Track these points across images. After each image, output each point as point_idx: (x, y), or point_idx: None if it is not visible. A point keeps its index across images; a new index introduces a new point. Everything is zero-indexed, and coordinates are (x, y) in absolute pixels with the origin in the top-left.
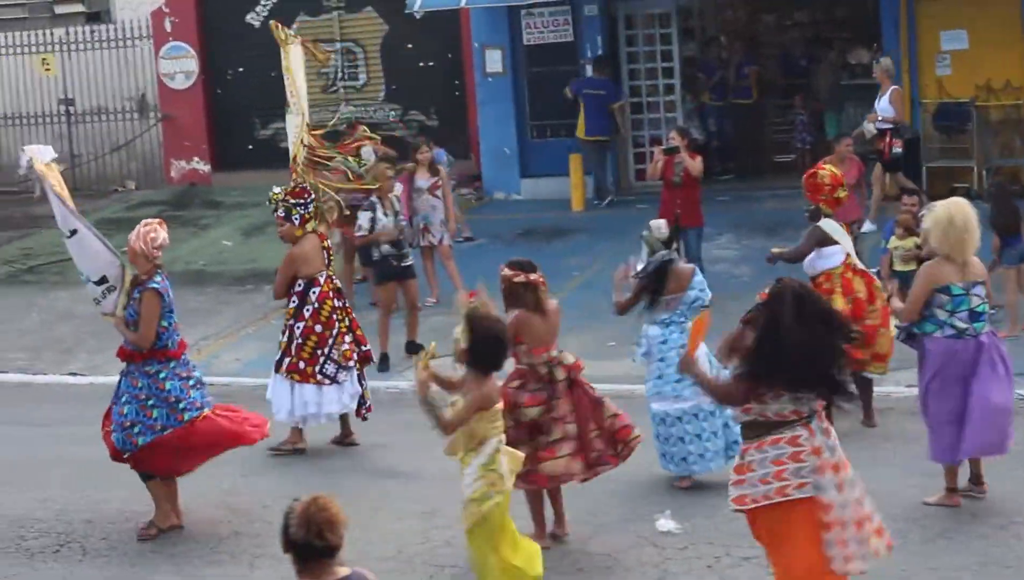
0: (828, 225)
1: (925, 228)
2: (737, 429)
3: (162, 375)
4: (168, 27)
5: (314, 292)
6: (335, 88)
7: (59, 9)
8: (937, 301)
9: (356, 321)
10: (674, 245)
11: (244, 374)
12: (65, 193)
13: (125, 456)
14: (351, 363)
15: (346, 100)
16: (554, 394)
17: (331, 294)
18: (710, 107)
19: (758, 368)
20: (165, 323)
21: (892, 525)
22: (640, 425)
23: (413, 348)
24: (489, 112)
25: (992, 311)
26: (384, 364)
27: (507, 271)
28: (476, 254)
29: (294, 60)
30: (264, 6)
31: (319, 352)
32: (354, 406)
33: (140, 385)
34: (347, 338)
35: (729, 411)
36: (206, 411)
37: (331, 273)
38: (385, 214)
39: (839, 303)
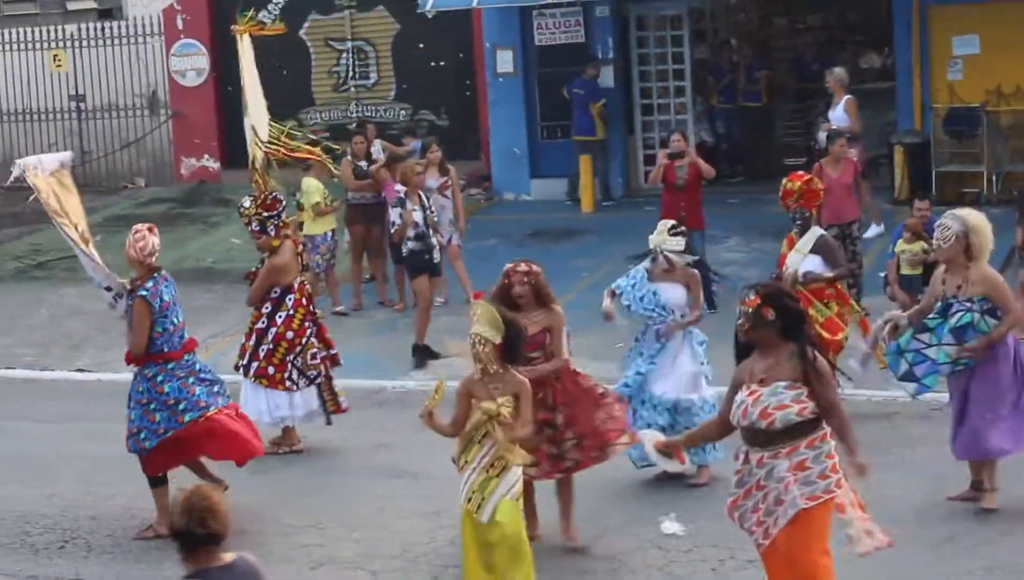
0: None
1: (963, 234)
2: None
3: (160, 378)
4: (179, 24)
5: (290, 299)
6: (346, 87)
7: (71, 6)
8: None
9: (324, 325)
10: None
11: None
12: (57, 207)
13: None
14: (314, 373)
15: (357, 99)
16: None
17: (303, 301)
18: (719, 110)
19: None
20: (159, 328)
21: (899, 529)
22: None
23: (423, 353)
24: (499, 112)
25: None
26: (422, 357)
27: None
28: (485, 255)
29: (246, 56)
30: (276, 4)
31: (288, 358)
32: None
33: (142, 389)
34: (315, 348)
35: (777, 415)
36: (211, 411)
37: (303, 279)
38: (414, 209)
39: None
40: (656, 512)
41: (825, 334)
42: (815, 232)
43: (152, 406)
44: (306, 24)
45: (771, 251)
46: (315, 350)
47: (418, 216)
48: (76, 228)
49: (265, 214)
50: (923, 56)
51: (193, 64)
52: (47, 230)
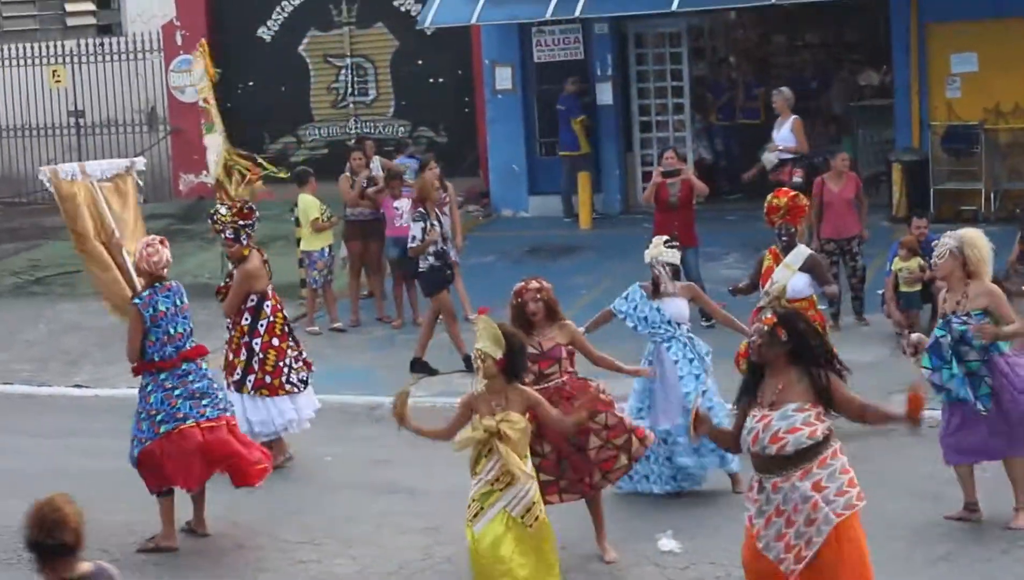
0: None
1: (958, 249)
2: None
3: (148, 388)
4: (179, 40)
5: (267, 305)
6: (345, 103)
7: (71, 21)
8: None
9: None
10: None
11: None
12: (84, 213)
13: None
14: (304, 374)
15: (355, 116)
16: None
17: (279, 307)
18: (718, 127)
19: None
20: (152, 337)
21: (896, 546)
22: None
23: (420, 367)
24: (498, 129)
25: None
26: (423, 370)
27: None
28: (483, 272)
29: (202, 75)
30: (275, 20)
31: (281, 363)
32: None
33: (139, 399)
34: (297, 351)
35: (789, 439)
36: (187, 423)
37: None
38: (433, 224)
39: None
40: (653, 529)
41: None
42: (802, 250)
43: (141, 415)
44: (305, 40)
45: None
46: (296, 354)
47: (437, 229)
48: (108, 236)
49: (241, 223)
50: (921, 74)
51: (192, 80)
52: (45, 245)
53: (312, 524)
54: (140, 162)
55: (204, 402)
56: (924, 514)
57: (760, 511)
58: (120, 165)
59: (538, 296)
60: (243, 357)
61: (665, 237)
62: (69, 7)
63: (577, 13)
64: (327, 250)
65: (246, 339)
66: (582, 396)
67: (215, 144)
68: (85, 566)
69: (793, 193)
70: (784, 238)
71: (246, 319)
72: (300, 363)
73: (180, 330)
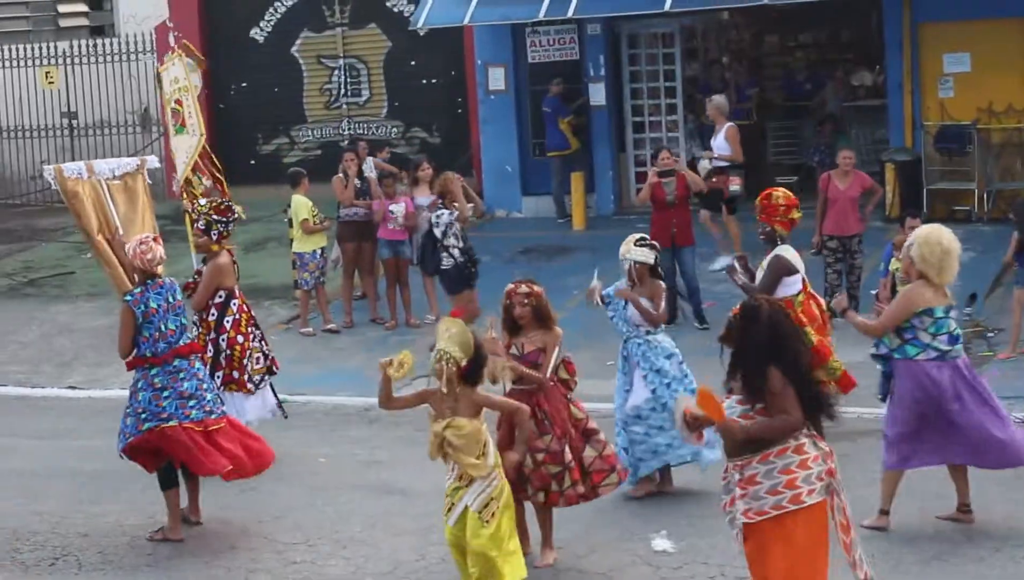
0: (788, 252)
1: (911, 251)
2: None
3: (139, 385)
4: (172, 42)
5: (234, 303)
6: (338, 104)
7: (63, 22)
8: (920, 323)
9: (263, 332)
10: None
11: None
12: (88, 212)
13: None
14: (259, 377)
15: (349, 116)
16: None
17: (245, 306)
18: (708, 127)
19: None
20: (145, 333)
21: (887, 548)
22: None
23: None
24: (491, 130)
25: (991, 334)
26: None
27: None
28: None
29: (188, 77)
30: (268, 22)
31: (244, 362)
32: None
33: (129, 394)
34: (259, 353)
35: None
36: (171, 423)
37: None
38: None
39: (810, 334)
40: (647, 529)
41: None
42: (779, 249)
43: (128, 410)
44: (298, 41)
45: None
46: (259, 355)
47: (458, 229)
48: (112, 233)
49: (214, 217)
50: (914, 74)
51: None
52: (38, 247)
53: (306, 525)
54: (153, 160)
55: (191, 403)
56: (916, 513)
57: (727, 488)
58: (131, 164)
59: (525, 301)
60: (210, 353)
61: (638, 236)
62: (62, 8)
63: (570, 13)
64: (319, 252)
65: (212, 335)
66: (550, 404)
67: (185, 145)
68: None
69: (767, 192)
70: (761, 236)
71: (212, 314)
72: (260, 365)
73: (172, 326)
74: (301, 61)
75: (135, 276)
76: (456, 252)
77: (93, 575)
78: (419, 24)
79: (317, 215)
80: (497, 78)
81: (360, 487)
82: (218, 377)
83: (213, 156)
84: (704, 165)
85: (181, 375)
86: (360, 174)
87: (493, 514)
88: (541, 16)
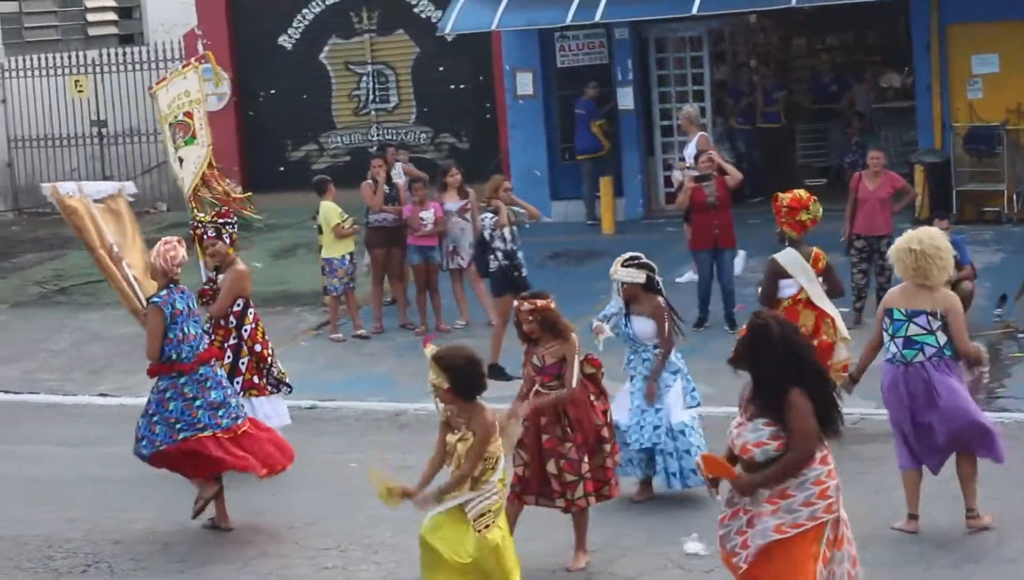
0: (784, 257)
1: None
2: None
3: (168, 394)
4: (200, 49)
5: (251, 312)
6: (366, 110)
7: (92, 31)
8: (884, 324)
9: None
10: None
11: None
12: (88, 227)
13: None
14: (286, 380)
15: (377, 123)
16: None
17: (257, 315)
18: (738, 131)
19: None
20: (170, 335)
21: (918, 551)
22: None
23: (495, 372)
24: (519, 135)
25: (1021, 335)
26: (497, 376)
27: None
28: None
29: (201, 89)
30: (296, 28)
31: (262, 366)
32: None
33: (152, 400)
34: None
35: (756, 451)
36: (206, 433)
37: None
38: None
39: None
40: (677, 532)
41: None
42: (779, 253)
43: (155, 418)
44: (326, 48)
45: None
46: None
47: (507, 233)
48: (108, 249)
49: (221, 221)
50: (943, 75)
51: (214, 89)
52: (69, 255)
53: (337, 530)
54: (130, 186)
55: (220, 412)
56: (947, 517)
57: (730, 502)
58: (112, 188)
59: (530, 317)
60: (228, 359)
61: (628, 255)
62: (91, 17)
63: (597, 18)
64: (348, 258)
65: (232, 342)
66: (576, 410)
67: (194, 156)
68: None
69: (775, 195)
70: (777, 237)
71: (231, 322)
72: (278, 371)
73: (193, 331)
74: (329, 68)
75: (155, 281)
76: (500, 254)
77: None
78: (446, 30)
79: (347, 219)
80: (525, 83)
81: None
82: (238, 383)
83: (218, 170)
84: (676, 175)
85: (208, 384)
86: (389, 180)
87: (487, 526)
88: (568, 21)
